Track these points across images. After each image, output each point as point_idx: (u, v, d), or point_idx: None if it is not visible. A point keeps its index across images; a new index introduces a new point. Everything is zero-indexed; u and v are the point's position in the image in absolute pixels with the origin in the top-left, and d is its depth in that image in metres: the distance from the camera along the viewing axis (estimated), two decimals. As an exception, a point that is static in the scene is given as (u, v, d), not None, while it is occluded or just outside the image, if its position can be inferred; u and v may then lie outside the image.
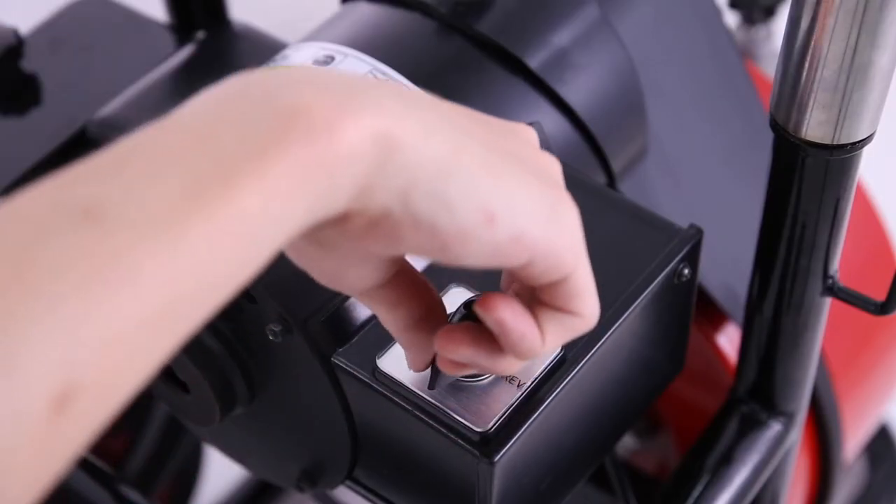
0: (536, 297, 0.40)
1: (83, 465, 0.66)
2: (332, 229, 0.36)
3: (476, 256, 0.37)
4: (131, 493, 0.66)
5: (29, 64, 0.68)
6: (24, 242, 0.29)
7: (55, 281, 0.28)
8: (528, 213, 0.37)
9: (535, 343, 0.40)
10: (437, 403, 0.47)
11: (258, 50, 0.67)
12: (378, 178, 0.34)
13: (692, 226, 0.53)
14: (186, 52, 0.69)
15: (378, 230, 0.36)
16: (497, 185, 0.36)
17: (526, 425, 0.46)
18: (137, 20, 0.72)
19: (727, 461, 0.64)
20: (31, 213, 0.30)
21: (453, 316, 0.43)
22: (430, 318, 0.43)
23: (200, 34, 0.71)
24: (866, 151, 0.51)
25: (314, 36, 0.59)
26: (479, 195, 0.36)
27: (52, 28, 0.72)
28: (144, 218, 0.30)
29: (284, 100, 0.33)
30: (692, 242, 0.52)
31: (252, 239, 0.32)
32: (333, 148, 0.33)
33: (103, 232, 0.29)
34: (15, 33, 0.67)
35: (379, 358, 0.48)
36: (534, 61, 0.57)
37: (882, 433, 0.98)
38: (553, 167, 0.41)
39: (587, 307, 0.40)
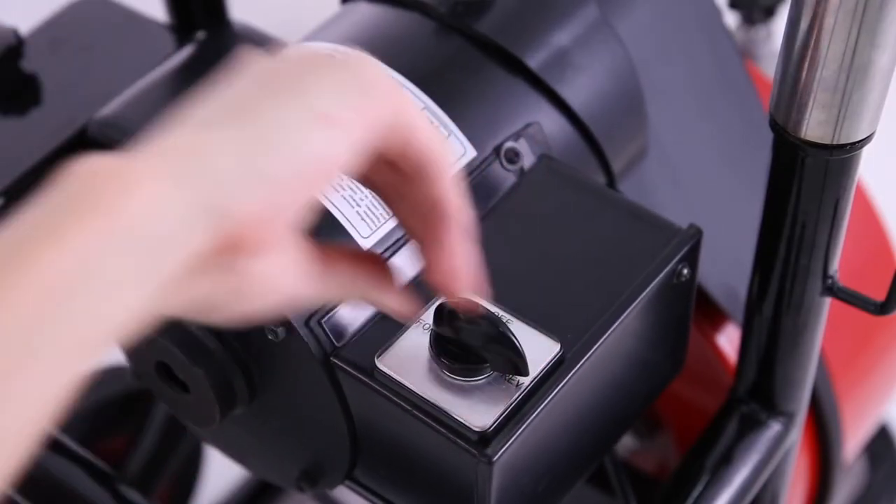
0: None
1: (83, 465, 0.66)
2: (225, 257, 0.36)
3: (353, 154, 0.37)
4: (131, 493, 0.66)
5: (29, 64, 0.68)
6: None
7: None
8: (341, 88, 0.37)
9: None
10: (435, 403, 0.47)
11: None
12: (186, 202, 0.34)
13: (692, 226, 0.53)
14: (186, 52, 0.69)
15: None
16: (299, 89, 0.36)
17: (524, 425, 0.46)
18: (137, 20, 0.72)
19: (727, 461, 0.64)
20: None
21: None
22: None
23: (200, 34, 0.71)
24: (866, 151, 0.51)
25: (314, 36, 0.59)
26: (303, 110, 0.36)
27: (52, 28, 0.72)
28: None
29: (70, 175, 0.33)
30: (692, 242, 0.52)
31: (51, 312, 0.31)
32: (128, 204, 0.33)
33: None
34: (15, 33, 0.67)
35: (378, 358, 0.48)
36: (534, 61, 0.57)
37: (882, 433, 0.98)
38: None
39: (432, 139, 0.40)
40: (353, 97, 0.37)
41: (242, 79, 0.38)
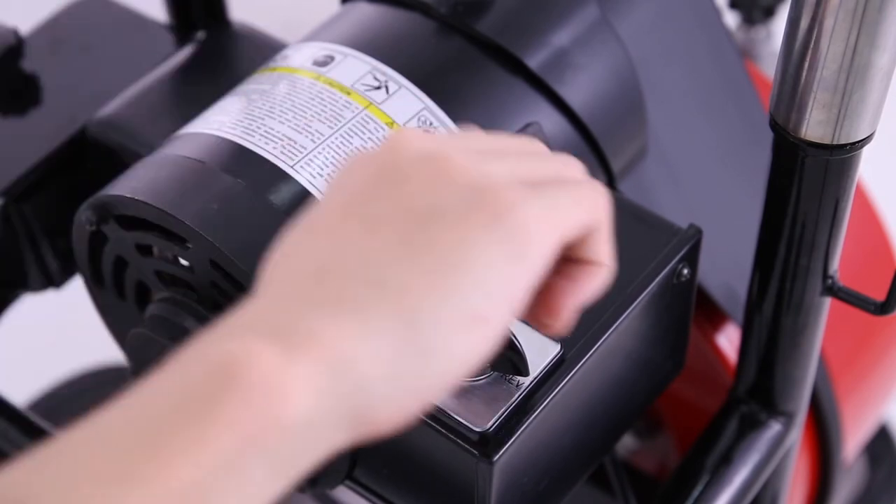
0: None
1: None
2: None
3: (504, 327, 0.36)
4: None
5: (29, 64, 0.68)
6: None
7: None
8: (499, 281, 0.35)
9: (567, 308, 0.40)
10: (436, 403, 0.47)
11: (258, 50, 0.67)
12: (340, 424, 0.34)
13: (692, 226, 0.53)
14: (186, 52, 0.69)
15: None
16: (463, 293, 0.35)
17: (525, 425, 0.46)
18: (137, 20, 0.72)
19: (727, 461, 0.64)
20: None
21: None
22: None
23: (200, 34, 0.71)
24: (866, 151, 0.51)
25: (314, 36, 0.59)
26: (459, 308, 0.35)
27: (52, 28, 0.72)
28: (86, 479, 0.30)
29: (219, 355, 0.32)
30: (692, 242, 0.52)
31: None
32: (276, 414, 0.32)
33: None
34: (15, 33, 0.67)
35: (378, 358, 0.48)
36: (533, 61, 0.57)
37: (882, 433, 0.98)
38: (466, 185, 0.37)
39: (605, 247, 0.40)
40: (514, 281, 0.36)
41: (407, 230, 0.36)
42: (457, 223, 0.36)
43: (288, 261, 0.37)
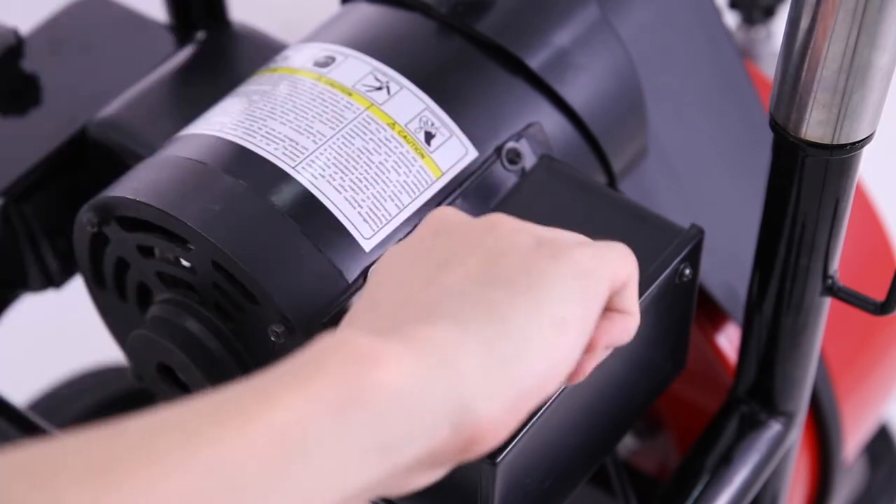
0: None
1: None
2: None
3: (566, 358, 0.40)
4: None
5: (29, 64, 0.68)
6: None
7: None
8: (566, 302, 0.40)
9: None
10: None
11: (258, 50, 0.67)
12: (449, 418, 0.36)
13: (693, 226, 0.53)
14: (186, 52, 0.69)
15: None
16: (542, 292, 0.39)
17: (528, 426, 0.46)
18: (137, 20, 0.72)
19: (727, 461, 0.64)
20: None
21: None
22: None
23: (200, 34, 0.71)
24: (866, 151, 0.51)
25: (314, 36, 0.59)
26: (543, 315, 0.39)
27: (52, 28, 0.72)
28: (186, 421, 0.32)
29: (319, 343, 0.36)
30: (693, 242, 0.52)
31: (286, 454, 0.32)
32: (371, 374, 0.35)
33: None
34: (15, 33, 0.67)
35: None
36: (534, 61, 0.57)
37: (882, 433, 0.98)
38: (532, 236, 0.42)
39: (636, 302, 0.44)
40: (584, 297, 0.40)
41: (483, 263, 0.41)
42: (525, 257, 0.41)
43: (379, 290, 0.41)
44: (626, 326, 0.43)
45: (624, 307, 0.43)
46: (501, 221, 0.43)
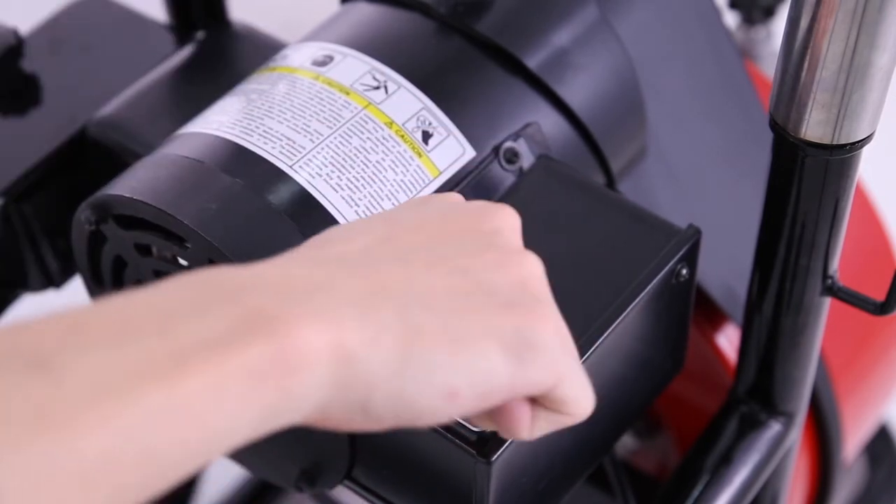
0: None
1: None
2: None
3: (445, 420, 0.38)
4: (131, 493, 0.66)
5: (29, 64, 0.68)
6: None
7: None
8: (493, 371, 0.38)
9: (523, 432, 0.41)
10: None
11: (258, 50, 0.67)
12: (335, 397, 0.36)
13: (690, 226, 0.53)
14: (186, 52, 0.69)
15: (348, 426, 0.37)
16: (456, 358, 0.37)
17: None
18: (137, 20, 0.72)
19: (727, 461, 0.64)
20: None
21: None
22: None
23: (200, 34, 0.71)
24: (866, 151, 0.51)
25: (313, 36, 0.59)
26: (438, 379, 0.37)
27: (52, 28, 0.72)
28: (95, 380, 0.31)
29: (251, 302, 0.34)
30: (690, 242, 0.52)
31: (197, 425, 0.32)
32: (289, 358, 0.34)
33: (54, 384, 0.31)
34: (15, 33, 0.67)
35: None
36: (533, 61, 0.57)
37: (882, 433, 0.98)
38: (524, 265, 0.40)
39: (576, 409, 0.41)
40: (510, 365, 0.38)
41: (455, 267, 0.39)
42: (489, 299, 0.39)
43: (332, 245, 0.40)
44: (562, 422, 0.41)
45: (555, 408, 0.40)
46: (505, 238, 0.41)
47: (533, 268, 0.41)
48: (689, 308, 0.56)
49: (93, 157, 0.65)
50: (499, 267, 0.40)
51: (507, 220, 0.42)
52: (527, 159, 0.56)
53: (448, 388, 0.37)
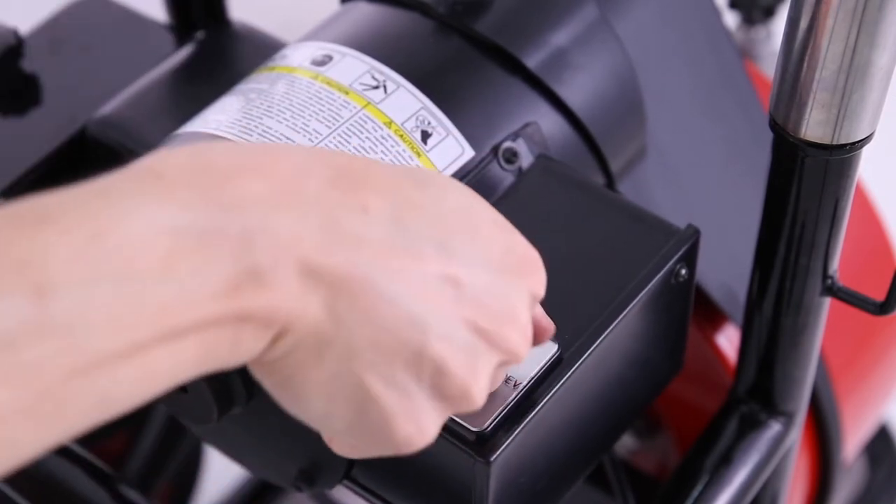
0: None
1: (83, 465, 0.66)
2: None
3: None
4: (131, 493, 0.66)
5: (29, 64, 0.68)
6: None
7: None
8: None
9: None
10: None
11: (258, 50, 0.67)
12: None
13: (689, 226, 0.53)
14: (186, 52, 0.69)
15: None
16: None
17: (522, 425, 0.46)
18: (137, 20, 0.72)
19: (727, 461, 0.64)
20: None
21: None
22: None
23: (200, 34, 0.71)
24: (866, 151, 0.51)
25: (313, 35, 0.59)
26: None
27: (52, 28, 0.72)
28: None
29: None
30: (689, 243, 0.52)
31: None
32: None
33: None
34: (15, 33, 0.67)
35: (377, 358, 0.48)
36: (532, 61, 0.57)
37: (882, 433, 0.98)
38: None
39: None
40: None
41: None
42: (440, 292, 0.38)
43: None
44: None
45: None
46: (479, 214, 0.41)
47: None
48: (689, 308, 0.56)
49: (93, 156, 0.65)
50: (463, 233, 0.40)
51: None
52: (526, 159, 0.56)
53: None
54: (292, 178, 0.37)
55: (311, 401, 0.39)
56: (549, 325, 0.45)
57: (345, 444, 0.42)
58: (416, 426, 0.39)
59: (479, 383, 0.40)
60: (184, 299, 0.34)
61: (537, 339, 0.45)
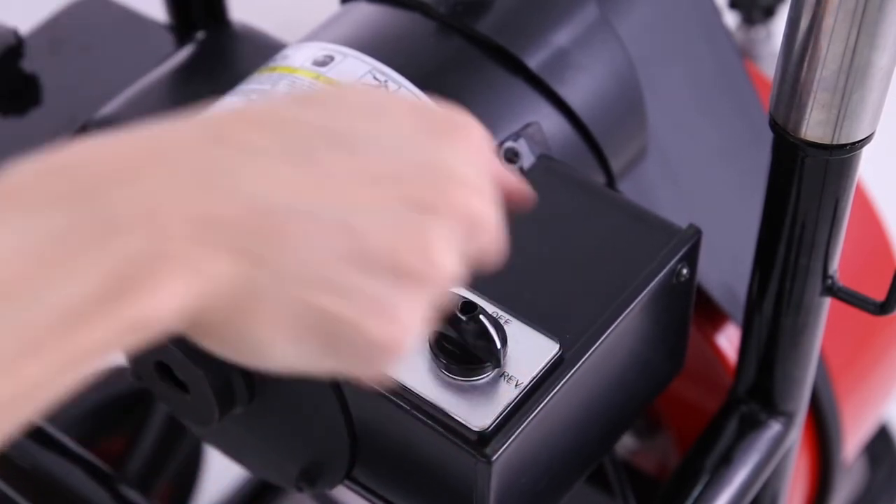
0: None
1: (83, 465, 0.66)
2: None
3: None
4: (131, 493, 0.66)
5: (29, 64, 0.68)
6: None
7: None
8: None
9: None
10: (435, 403, 0.47)
11: (258, 50, 0.67)
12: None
13: (691, 226, 0.53)
14: (186, 52, 0.69)
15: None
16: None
17: (523, 425, 0.46)
18: (137, 20, 0.72)
19: (727, 461, 0.64)
20: None
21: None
22: None
23: (200, 34, 0.71)
24: (866, 151, 0.51)
25: (313, 36, 0.59)
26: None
27: (52, 28, 0.72)
28: None
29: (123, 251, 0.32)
30: (691, 242, 0.52)
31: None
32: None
33: None
34: (15, 33, 0.67)
35: (378, 358, 0.48)
36: (533, 61, 0.57)
37: (882, 433, 0.98)
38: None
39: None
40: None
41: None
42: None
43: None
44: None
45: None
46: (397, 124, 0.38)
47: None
48: (690, 308, 0.56)
49: (93, 156, 0.65)
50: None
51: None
52: (527, 159, 0.56)
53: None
54: (157, 148, 0.34)
55: (276, 346, 0.36)
56: (519, 185, 0.42)
57: (345, 370, 0.39)
58: (390, 319, 0.36)
59: (439, 251, 0.37)
60: (49, 319, 0.31)
61: (510, 197, 0.42)
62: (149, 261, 0.33)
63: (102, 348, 0.33)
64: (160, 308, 0.33)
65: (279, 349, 0.36)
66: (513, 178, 0.42)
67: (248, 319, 0.35)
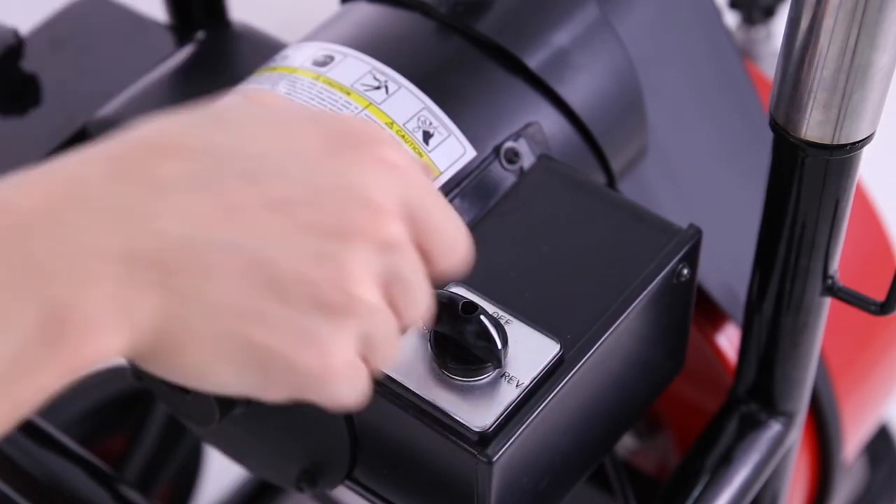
0: None
1: (83, 465, 0.66)
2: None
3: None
4: (131, 493, 0.66)
5: (29, 64, 0.68)
6: None
7: None
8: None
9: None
10: (435, 403, 0.47)
11: (258, 50, 0.67)
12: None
13: (691, 226, 0.53)
14: (186, 52, 0.69)
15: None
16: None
17: (524, 425, 0.46)
18: (137, 20, 0.72)
19: (727, 461, 0.64)
20: None
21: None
22: None
23: (200, 34, 0.71)
24: (866, 151, 0.51)
25: (314, 36, 0.59)
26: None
27: (52, 28, 0.72)
28: None
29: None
30: (691, 242, 0.52)
31: None
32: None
33: None
34: (15, 33, 0.67)
35: (378, 358, 0.48)
36: (533, 61, 0.57)
37: (882, 433, 0.98)
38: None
39: None
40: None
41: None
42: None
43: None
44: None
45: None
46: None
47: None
48: (690, 308, 0.56)
49: (93, 157, 0.65)
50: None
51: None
52: (527, 159, 0.56)
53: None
54: (69, 190, 0.34)
55: (217, 374, 0.36)
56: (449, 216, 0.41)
57: (295, 396, 0.39)
58: (319, 350, 0.36)
59: (356, 282, 0.36)
60: None
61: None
62: (79, 306, 0.33)
63: (45, 391, 0.34)
64: (98, 352, 0.34)
65: (221, 377, 0.37)
66: (434, 186, 0.42)
67: (185, 350, 0.36)
